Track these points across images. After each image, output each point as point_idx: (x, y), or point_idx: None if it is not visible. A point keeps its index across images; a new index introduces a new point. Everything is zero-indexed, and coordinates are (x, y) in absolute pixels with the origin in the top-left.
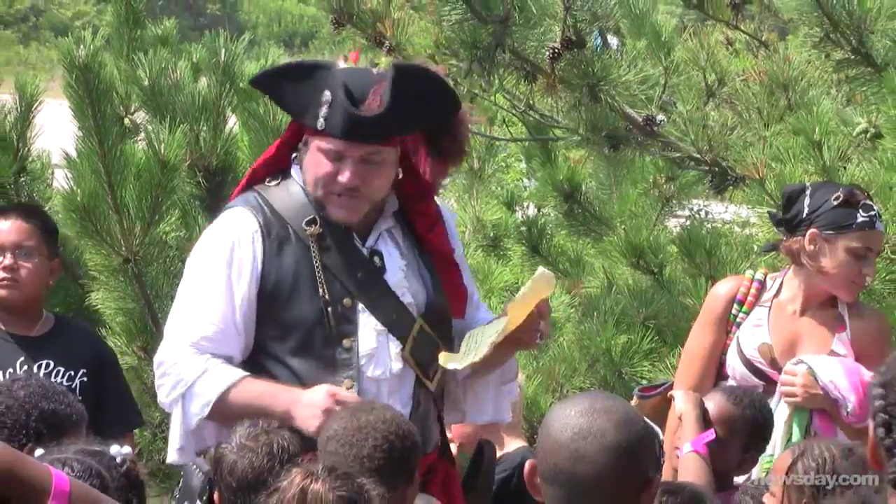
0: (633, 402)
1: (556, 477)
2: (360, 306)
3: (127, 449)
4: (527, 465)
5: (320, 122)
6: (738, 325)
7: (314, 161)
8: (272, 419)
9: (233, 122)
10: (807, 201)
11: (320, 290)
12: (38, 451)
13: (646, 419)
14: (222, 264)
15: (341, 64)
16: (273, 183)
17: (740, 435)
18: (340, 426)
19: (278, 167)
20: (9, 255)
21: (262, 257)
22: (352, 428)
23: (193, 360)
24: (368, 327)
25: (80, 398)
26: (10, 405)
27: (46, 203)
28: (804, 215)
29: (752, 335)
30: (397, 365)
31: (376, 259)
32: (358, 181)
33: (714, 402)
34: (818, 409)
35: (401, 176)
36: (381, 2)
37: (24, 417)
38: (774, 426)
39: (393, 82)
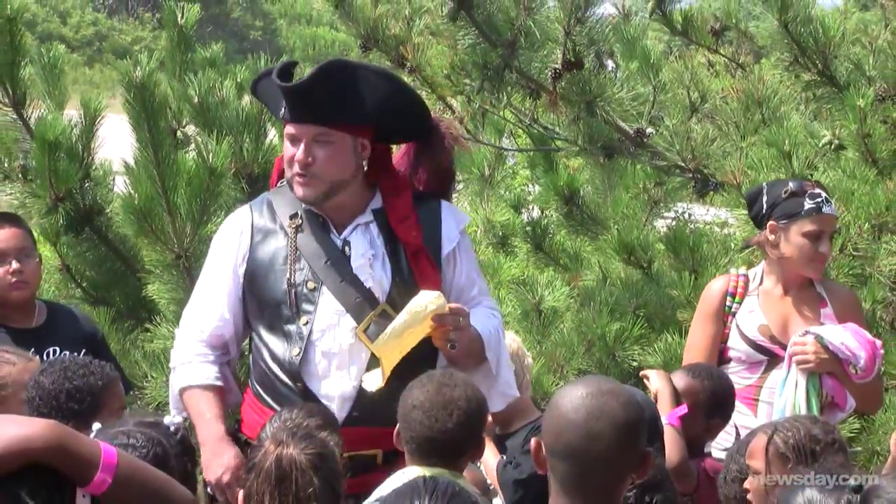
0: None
1: (567, 452)
2: (324, 289)
3: (178, 418)
4: (532, 442)
5: (282, 113)
6: (734, 314)
7: (285, 149)
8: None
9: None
10: (764, 199)
11: (292, 275)
12: (96, 426)
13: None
14: (215, 258)
15: None
16: (282, 184)
17: (702, 404)
18: (426, 398)
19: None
20: (14, 260)
21: (248, 247)
22: (437, 403)
23: (187, 347)
24: (327, 307)
25: None
26: (42, 395)
27: (108, 206)
28: (763, 211)
29: (750, 320)
30: (348, 341)
31: (347, 248)
32: (309, 159)
33: (678, 379)
34: (827, 371)
35: (366, 168)
36: (403, 28)
37: (56, 402)
38: (780, 392)
39: (321, 66)
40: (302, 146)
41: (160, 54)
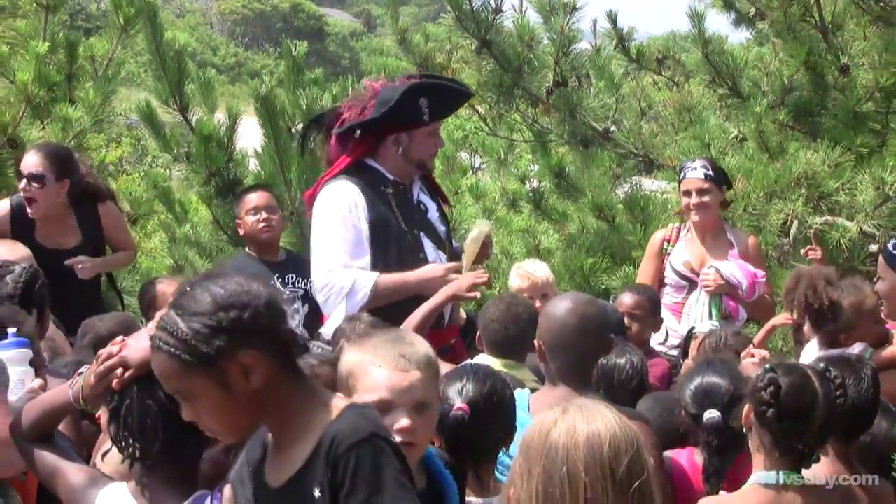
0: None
1: (563, 345)
2: (422, 234)
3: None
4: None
5: (425, 116)
6: (669, 254)
7: (424, 143)
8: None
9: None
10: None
11: (403, 225)
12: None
13: (598, 307)
14: (346, 212)
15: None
16: (351, 170)
17: (648, 309)
18: (501, 314)
19: (343, 168)
20: (263, 211)
21: (367, 206)
22: (508, 317)
23: (345, 275)
24: (429, 247)
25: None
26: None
27: (244, 179)
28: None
29: (678, 257)
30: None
31: (422, 206)
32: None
33: (627, 296)
34: (725, 293)
35: None
36: (446, 58)
37: None
38: (694, 307)
39: (443, 77)
40: (439, 137)
41: (280, 75)
